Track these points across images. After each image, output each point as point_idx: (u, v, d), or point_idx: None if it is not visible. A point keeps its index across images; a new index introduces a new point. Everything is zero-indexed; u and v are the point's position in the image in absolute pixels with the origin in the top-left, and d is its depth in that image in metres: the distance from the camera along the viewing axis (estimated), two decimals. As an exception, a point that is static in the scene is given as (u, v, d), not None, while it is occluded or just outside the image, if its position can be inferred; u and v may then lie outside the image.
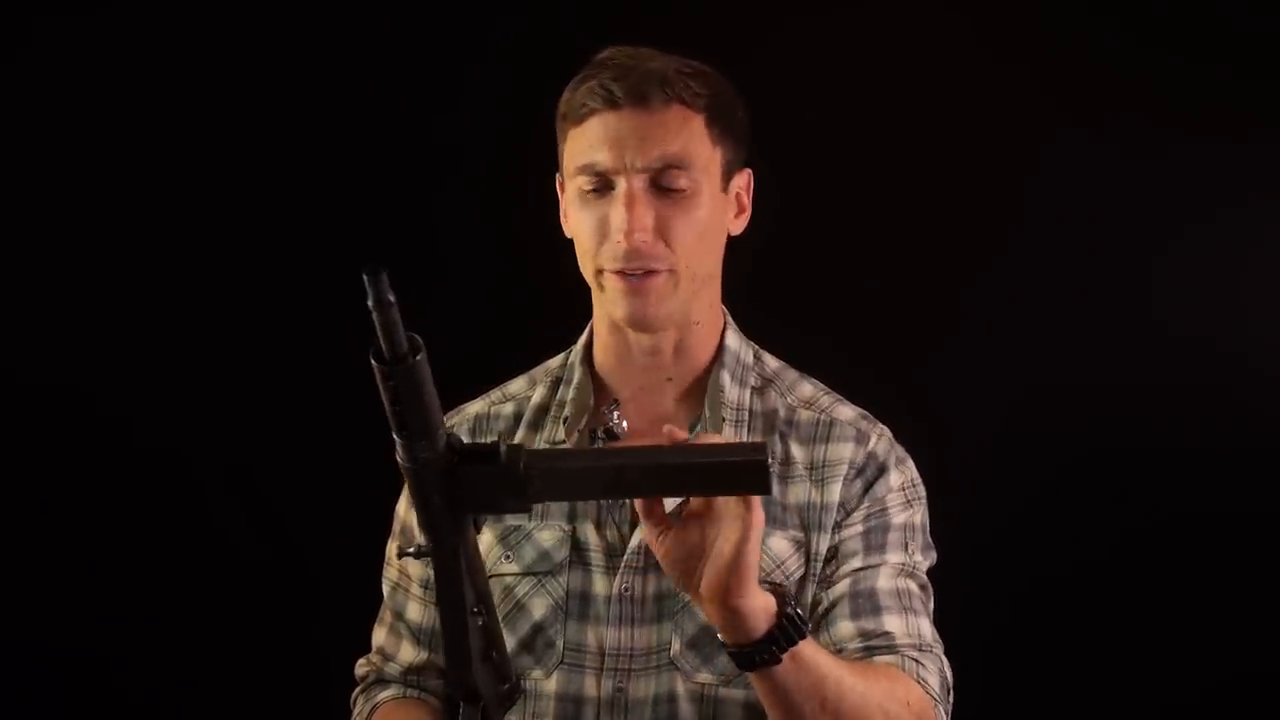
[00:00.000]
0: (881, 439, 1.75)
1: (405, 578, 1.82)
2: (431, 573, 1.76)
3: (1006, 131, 2.59)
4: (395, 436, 1.20)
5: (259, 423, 2.70)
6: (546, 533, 1.73)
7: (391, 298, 1.11)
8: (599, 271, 1.69)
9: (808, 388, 1.79)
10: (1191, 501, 2.57)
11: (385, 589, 1.84)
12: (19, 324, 2.72)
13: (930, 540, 1.77)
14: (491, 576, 1.71)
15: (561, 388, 1.80)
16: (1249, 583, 2.58)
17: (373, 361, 1.16)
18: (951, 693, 1.68)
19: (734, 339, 1.79)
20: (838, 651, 1.63)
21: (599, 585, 1.70)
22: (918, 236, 2.61)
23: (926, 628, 1.68)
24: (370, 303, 1.12)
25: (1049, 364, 2.60)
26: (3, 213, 2.72)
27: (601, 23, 1.91)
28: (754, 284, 1.96)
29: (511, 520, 1.74)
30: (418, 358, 1.15)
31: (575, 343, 1.83)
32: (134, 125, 2.71)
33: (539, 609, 1.71)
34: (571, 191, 1.71)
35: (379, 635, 1.84)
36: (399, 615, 1.81)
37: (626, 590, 1.69)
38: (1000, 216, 2.60)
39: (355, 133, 2.70)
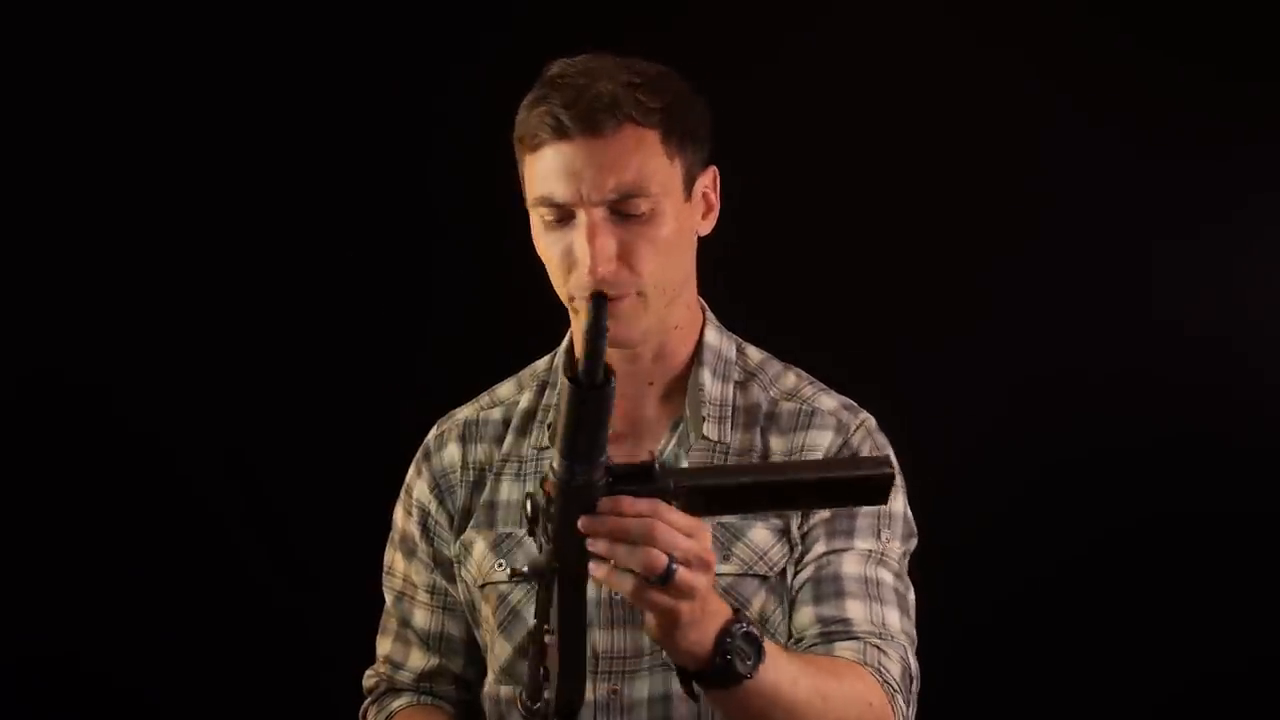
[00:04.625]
0: (861, 428, 1.72)
1: (410, 585, 1.82)
2: (438, 578, 1.78)
3: (1003, 130, 2.60)
4: (559, 456, 1.22)
5: (260, 422, 2.71)
6: (538, 539, 1.75)
7: (606, 325, 1.14)
8: (570, 298, 1.67)
9: (791, 379, 1.77)
10: (1186, 501, 2.58)
11: (388, 598, 1.84)
12: (17, 320, 2.73)
13: (913, 526, 1.73)
14: (485, 585, 1.74)
15: (547, 392, 1.79)
16: (1242, 583, 2.58)
17: (568, 383, 1.17)
18: (915, 683, 1.62)
19: (714, 335, 1.76)
20: (797, 641, 1.62)
21: (590, 590, 1.68)
22: (911, 235, 2.61)
23: (894, 619, 1.64)
24: (586, 327, 1.15)
25: (1042, 362, 2.60)
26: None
27: (590, 28, 1.90)
28: (739, 281, 1.96)
29: (503, 528, 1.74)
30: (610, 386, 1.16)
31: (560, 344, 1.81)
32: (128, 125, 2.72)
33: (533, 615, 1.70)
34: (535, 218, 1.67)
35: (384, 644, 1.84)
36: (405, 623, 1.82)
37: (617, 594, 1.66)
38: (996, 216, 2.61)
39: (352, 133, 2.70)
